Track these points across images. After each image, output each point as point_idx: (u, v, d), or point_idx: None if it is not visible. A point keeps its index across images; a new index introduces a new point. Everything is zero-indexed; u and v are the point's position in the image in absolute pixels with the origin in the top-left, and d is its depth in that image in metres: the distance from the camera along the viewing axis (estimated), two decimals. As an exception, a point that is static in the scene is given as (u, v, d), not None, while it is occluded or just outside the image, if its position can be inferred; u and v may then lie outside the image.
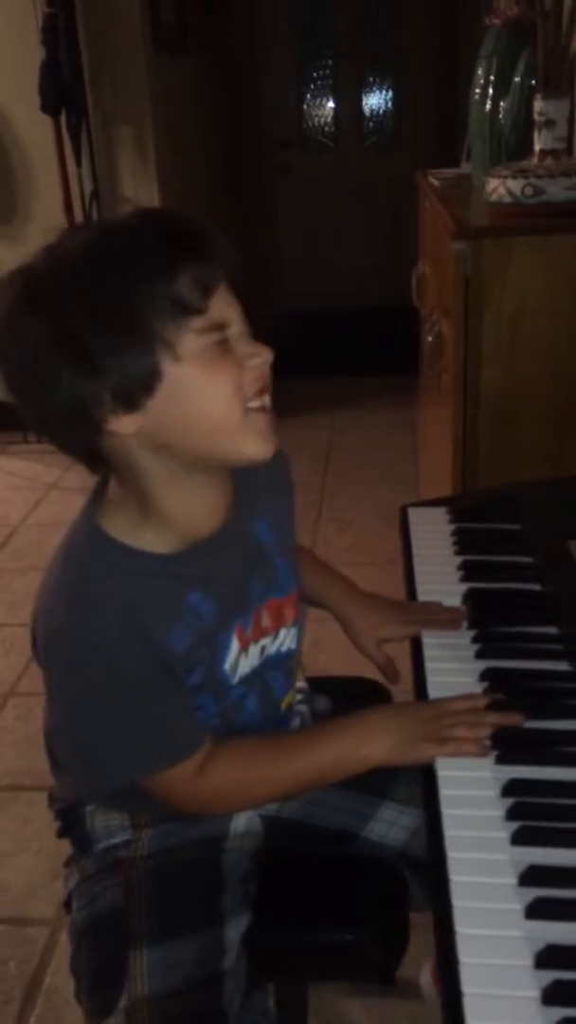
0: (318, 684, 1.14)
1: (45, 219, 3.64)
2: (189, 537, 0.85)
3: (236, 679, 0.92)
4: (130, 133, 3.61)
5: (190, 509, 0.85)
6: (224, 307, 0.78)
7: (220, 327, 0.77)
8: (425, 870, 0.94)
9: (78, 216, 3.53)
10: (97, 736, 0.85)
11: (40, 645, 0.86)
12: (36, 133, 3.52)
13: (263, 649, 0.95)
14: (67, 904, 1.00)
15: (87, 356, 0.73)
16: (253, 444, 0.81)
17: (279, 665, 0.97)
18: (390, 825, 1.01)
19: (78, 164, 3.50)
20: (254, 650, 0.93)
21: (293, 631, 0.98)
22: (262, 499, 0.94)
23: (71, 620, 0.81)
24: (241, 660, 0.92)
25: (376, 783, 1.01)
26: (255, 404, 0.80)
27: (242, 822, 0.99)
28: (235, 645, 0.90)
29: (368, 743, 0.88)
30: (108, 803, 0.98)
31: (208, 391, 0.77)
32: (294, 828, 1.03)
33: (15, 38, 3.44)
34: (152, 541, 0.84)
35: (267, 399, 0.82)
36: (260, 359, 0.80)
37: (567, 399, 1.53)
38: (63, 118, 3.43)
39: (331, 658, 1.18)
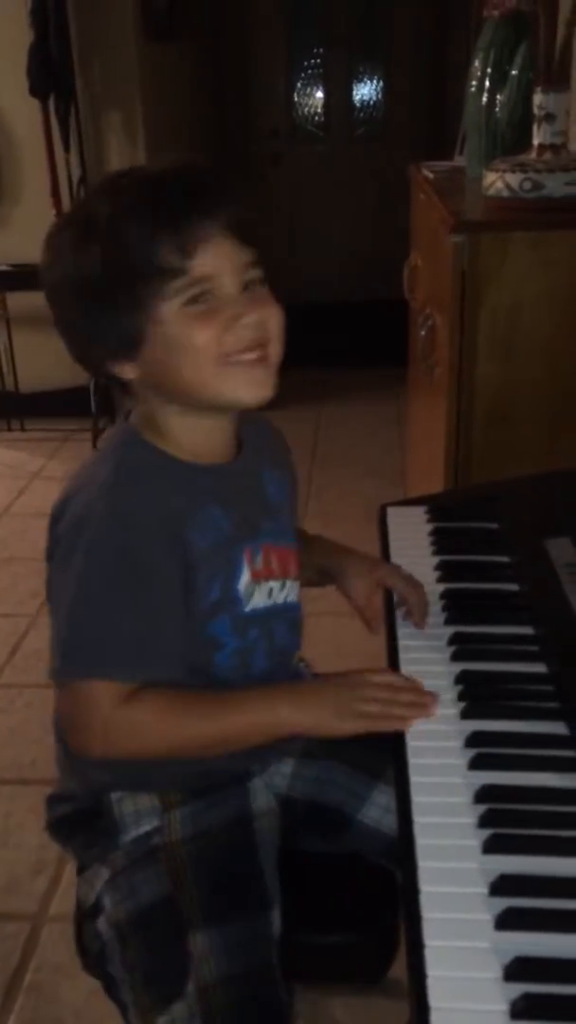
0: None
1: (32, 204, 3.60)
2: (204, 461, 0.92)
3: (249, 608, 0.93)
4: (119, 119, 3.57)
5: (198, 441, 0.91)
6: (215, 261, 0.83)
7: (203, 282, 0.82)
8: None
9: (65, 201, 3.50)
10: (97, 618, 0.84)
11: (65, 527, 0.87)
12: (24, 117, 3.47)
13: (271, 592, 0.96)
14: (94, 908, 0.95)
15: (89, 314, 0.85)
16: (236, 392, 0.86)
17: (284, 616, 0.98)
18: (384, 811, 0.99)
19: (66, 149, 3.47)
20: (264, 588, 0.95)
21: (296, 585, 1.00)
22: (269, 460, 1.00)
23: (107, 500, 0.85)
24: (255, 592, 0.94)
25: (371, 763, 1.01)
26: (247, 357, 0.85)
27: (262, 802, 0.98)
28: (246, 569, 0.93)
29: (298, 711, 0.88)
30: (136, 783, 0.95)
31: (185, 348, 0.83)
32: (304, 807, 1.03)
33: (4, 20, 3.39)
34: (179, 449, 0.90)
35: (267, 350, 0.86)
36: (244, 321, 0.84)
37: (562, 396, 1.52)
38: (51, 102, 3.39)
39: (318, 653, 1.17)
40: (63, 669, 0.86)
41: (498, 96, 1.90)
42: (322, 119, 5.59)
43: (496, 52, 1.89)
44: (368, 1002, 1.42)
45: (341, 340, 4.82)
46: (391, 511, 1.28)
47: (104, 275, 0.82)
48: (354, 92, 5.54)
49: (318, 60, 5.48)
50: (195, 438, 0.91)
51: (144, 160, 3.60)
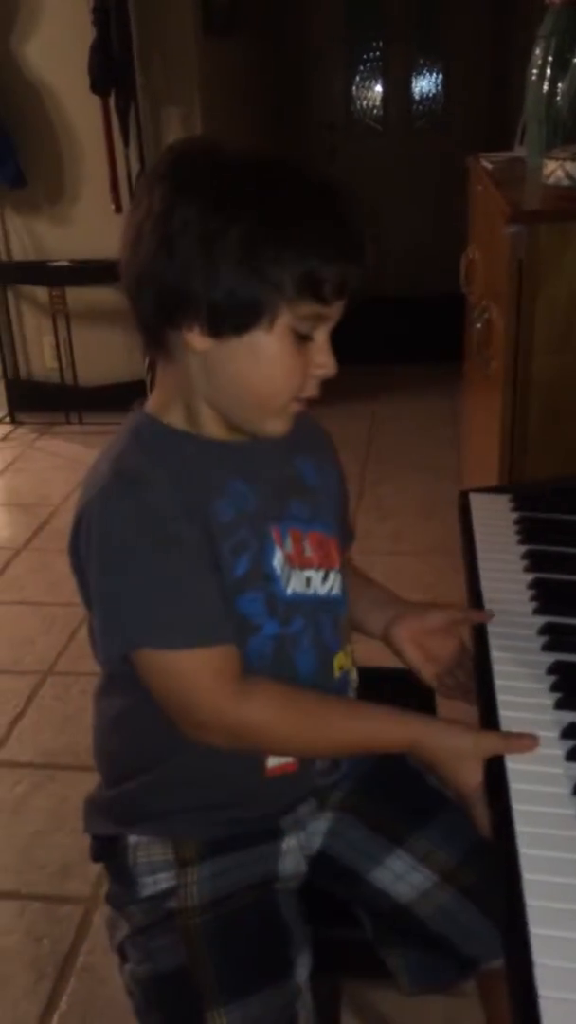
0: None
1: (92, 200, 3.65)
2: (233, 436, 0.87)
3: (289, 591, 0.89)
4: (178, 114, 3.60)
5: (227, 426, 0.87)
6: (337, 311, 0.81)
7: (318, 321, 0.80)
8: (420, 947, 0.92)
9: (124, 198, 3.54)
10: (123, 592, 0.81)
11: (82, 514, 0.83)
12: (85, 113, 3.52)
13: (309, 581, 0.92)
14: (120, 951, 0.94)
15: (212, 266, 0.76)
16: (274, 426, 0.85)
17: (329, 609, 0.94)
18: (397, 878, 0.95)
19: (126, 145, 3.50)
20: (301, 576, 0.91)
21: (340, 578, 0.95)
22: (305, 446, 0.95)
23: (117, 473, 0.82)
24: (292, 576, 0.89)
25: (395, 827, 0.97)
26: (295, 405, 0.85)
27: (290, 865, 0.95)
28: (277, 549, 0.88)
29: (436, 734, 0.85)
30: (151, 827, 0.92)
31: (272, 371, 0.81)
32: (327, 865, 0.99)
33: (66, 18, 3.44)
34: (202, 430, 0.86)
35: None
36: (326, 371, 0.83)
37: (621, 390, 1.49)
38: (112, 98, 3.43)
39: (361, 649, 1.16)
40: (104, 647, 0.83)
41: (559, 84, 1.86)
42: (380, 112, 5.55)
43: (558, 40, 1.86)
44: (418, 999, 1.41)
45: (398, 335, 4.79)
46: (474, 498, 1.25)
47: (257, 251, 0.76)
48: (413, 85, 5.49)
49: (377, 53, 5.45)
50: (224, 423, 0.87)
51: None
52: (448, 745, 0.85)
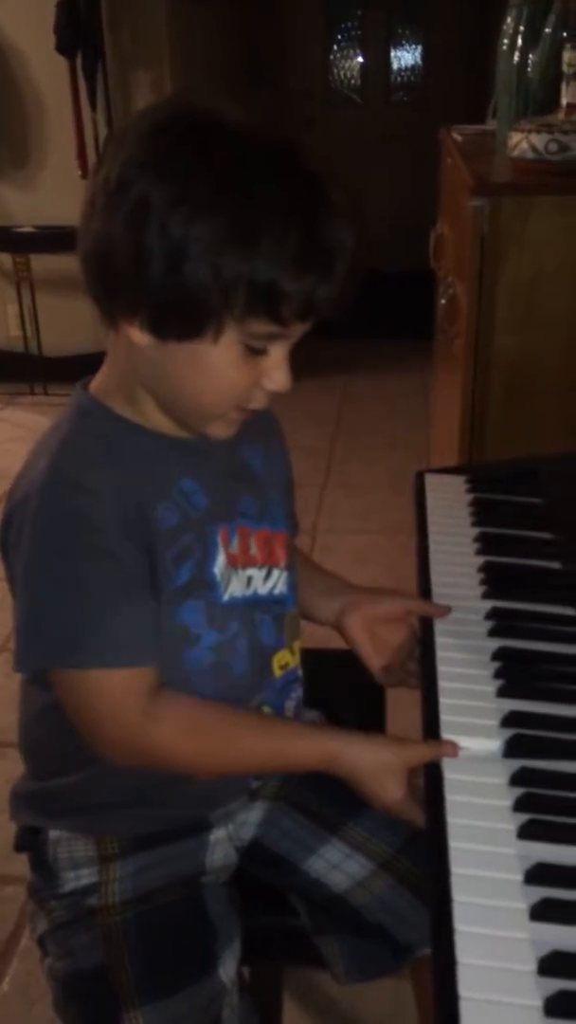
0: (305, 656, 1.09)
1: (58, 165, 3.56)
2: (174, 433, 0.83)
3: (227, 596, 0.85)
4: (148, 78, 3.51)
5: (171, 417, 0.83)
6: (299, 331, 0.75)
7: (274, 339, 0.74)
8: (355, 935, 0.90)
9: (91, 163, 3.45)
10: (47, 603, 0.76)
11: (16, 507, 0.78)
12: (51, 75, 3.43)
13: (250, 580, 0.88)
14: (40, 944, 0.91)
15: (161, 262, 0.68)
16: (215, 429, 0.81)
17: (268, 609, 0.90)
18: (332, 867, 0.93)
19: (93, 109, 3.42)
20: (241, 576, 0.87)
21: (284, 575, 0.91)
22: (250, 432, 0.87)
23: (57, 473, 0.76)
24: (232, 578, 0.86)
25: (330, 816, 0.95)
26: (239, 414, 0.80)
27: (218, 857, 0.92)
28: (221, 553, 0.85)
29: (351, 746, 0.83)
30: (73, 823, 0.89)
31: (214, 383, 0.75)
32: (260, 854, 0.97)
33: (32, -26, 3.33)
34: (147, 420, 0.81)
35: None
36: (277, 388, 0.77)
37: (584, 369, 1.47)
38: (79, 60, 3.34)
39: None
40: (21, 656, 0.78)
41: (530, 55, 1.82)
42: (358, 83, 5.47)
43: (530, 9, 1.81)
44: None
45: (370, 309, 4.74)
46: (429, 478, 1.23)
47: (211, 256, 0.68)
48: (392, 55, 5.42)
49: (356, 22, 5.36)
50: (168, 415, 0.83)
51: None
52: (370, 760, 0.82)
